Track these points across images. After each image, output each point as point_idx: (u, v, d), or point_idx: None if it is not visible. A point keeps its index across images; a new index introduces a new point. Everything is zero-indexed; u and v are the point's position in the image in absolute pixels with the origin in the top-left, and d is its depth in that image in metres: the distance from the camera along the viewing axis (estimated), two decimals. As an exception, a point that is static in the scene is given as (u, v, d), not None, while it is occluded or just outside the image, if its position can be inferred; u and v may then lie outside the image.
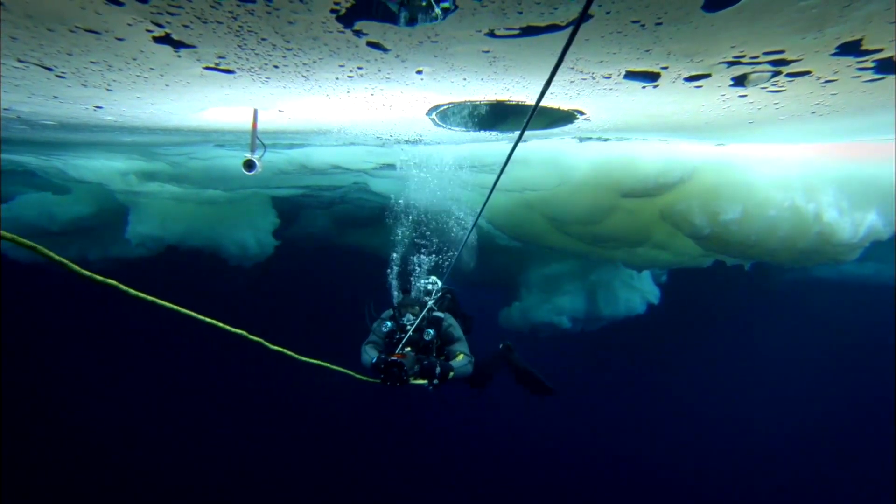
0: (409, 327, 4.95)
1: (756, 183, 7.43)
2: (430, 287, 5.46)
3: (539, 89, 3.54)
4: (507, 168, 2.62)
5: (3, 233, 1.12)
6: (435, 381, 4.71)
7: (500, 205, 10.96)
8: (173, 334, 19.42)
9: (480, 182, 9.49)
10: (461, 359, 4.98)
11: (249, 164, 4.39)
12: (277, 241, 15.52)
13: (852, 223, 7.06)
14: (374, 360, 4.54)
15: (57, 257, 1.41)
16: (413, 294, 5.45)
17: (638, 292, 15.52)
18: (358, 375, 3.91)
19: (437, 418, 20.34)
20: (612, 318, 15.48)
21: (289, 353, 2.85)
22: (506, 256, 15.93)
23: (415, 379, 4.62)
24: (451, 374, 4.73)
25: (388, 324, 5.12)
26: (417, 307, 5.10)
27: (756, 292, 19.93)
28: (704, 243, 8.47)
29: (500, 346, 6.26)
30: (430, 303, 5.21)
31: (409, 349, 4.76)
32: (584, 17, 1.62)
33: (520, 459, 19.89)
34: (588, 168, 8.54)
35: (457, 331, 5.22)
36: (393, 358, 4.41)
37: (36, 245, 1.22)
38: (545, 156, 8.46)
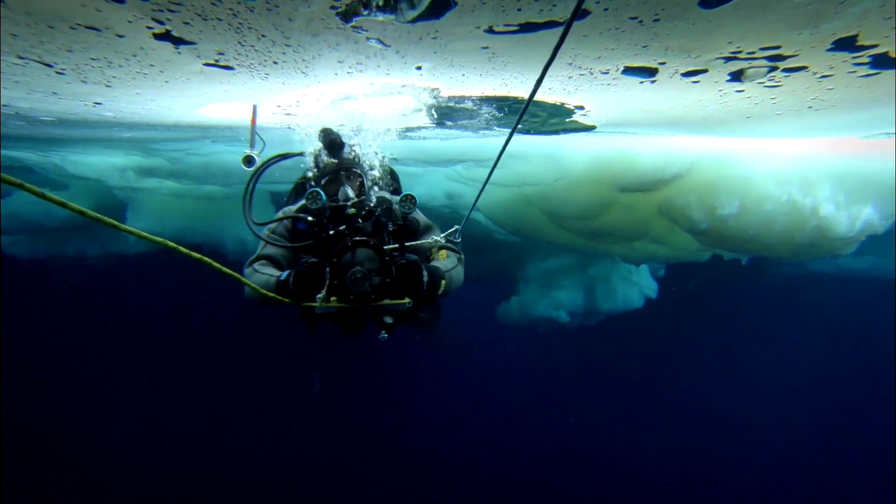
0: (349, 210, 2.85)
1: (753, 178, 7.46)
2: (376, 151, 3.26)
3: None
4: (502, 162, 2.63)
5: (30, 185, 1.04)
6: (407, 302, 2.57)
7: (499, 200, 10.96)
8: (174, 333, 19.46)
9: (472, 177, 9.47)
10: (446, 258, 2.99)
11: (249, 160, 4.40)
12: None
13: (849, 217, 7.10)
14: (282, 276, 2.57)
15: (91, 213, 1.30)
16: (347, 154, 3.06)
17: (636, 287, 15.56)
18: (279, 297, 2.54)
19: (424, 409, 20.40)
20: (610, 312, 15.52)
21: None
22: (504, 251, 15.95)
23: (379, 299, 2.53)
24: (443, 283, 2.76)
25: (323, 196, 2.81)
26: (359, 173, 3.05)
27: (753, 286, 19.99)
28: (702, 238, 8.50)
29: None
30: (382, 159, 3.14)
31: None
32: (577, 15, 1.64)
33: (517, 455, 19.97)
34: (586, 163, 8.55)
35: (422, 215, 3.23)
36: (343, 244, 2.48)
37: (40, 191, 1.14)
38: (543, 150, 8.48)
